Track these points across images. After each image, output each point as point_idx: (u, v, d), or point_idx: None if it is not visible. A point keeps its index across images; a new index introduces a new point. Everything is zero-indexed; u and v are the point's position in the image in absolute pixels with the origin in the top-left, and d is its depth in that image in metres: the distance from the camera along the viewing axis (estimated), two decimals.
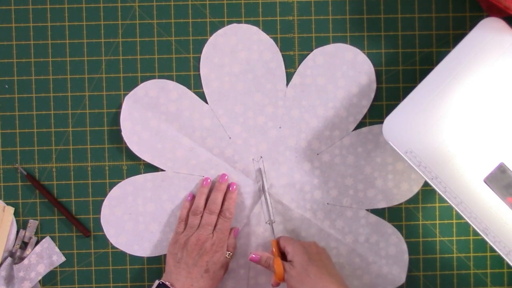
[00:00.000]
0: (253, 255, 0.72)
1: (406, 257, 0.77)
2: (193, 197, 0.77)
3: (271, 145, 0.77)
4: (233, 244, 0.76)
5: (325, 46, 0.77)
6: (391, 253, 0.77)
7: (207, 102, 0.77)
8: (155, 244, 0.77)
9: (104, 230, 0.77)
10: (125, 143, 0.77)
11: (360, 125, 0.77)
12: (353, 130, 0.77)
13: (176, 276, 0.72)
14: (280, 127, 0.77)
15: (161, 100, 0.77)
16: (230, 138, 0.77)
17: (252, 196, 0.77)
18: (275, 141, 0.77)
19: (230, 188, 0.76)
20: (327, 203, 0.77)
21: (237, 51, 0.77)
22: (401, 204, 0.78)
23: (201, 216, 0.75)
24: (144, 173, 0.77)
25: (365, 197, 0.77)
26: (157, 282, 0.71)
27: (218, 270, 0.73)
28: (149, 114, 0.76)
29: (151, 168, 0.77)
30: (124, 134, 0.76)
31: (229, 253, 0.75)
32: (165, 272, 0.74)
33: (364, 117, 0.77)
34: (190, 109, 0.77)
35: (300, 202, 0.77)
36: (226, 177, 0.76)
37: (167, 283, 0.70)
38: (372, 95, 0.77)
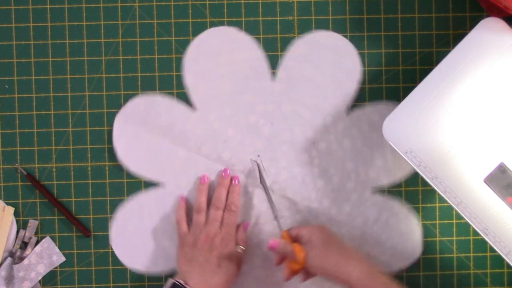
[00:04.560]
0: (273, 242, 0.71)
1: (419, 228, 0.77)
2: (185, 198, 0.76)
3: (266, 142, 0.77)
4: (244, 238, 0.76)
5: (304, 36, 0.77)
6: (403, 229, 0.77)
7: (196, 109, 0.77)
8: (170, 259, 0.77)
9: (117, 255, 0.77)
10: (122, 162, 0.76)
11: (351, 108, 0.77)
12: (347, 115, 0.77)
13: (190, 275, 0.71)
14: (272, 124, 0.77)
15: (151, 115, 0.76)
16: (225, 141, 0.77)
17: (256, 195, 0.77)
18: (269, 138, 0.77)
19: (233, 182, 0.76)
20: (331, 190, 0.77)
21: (219, 54, 0.77)
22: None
23: (205, 213, 0.75)
24: (144, 183, 0.77)
25: (367, 177, 0.77)
26: (170, 280, 0.70)
27: (230, 265, 0.73)
28: (141, 130, 0.76)
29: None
30: (120, 154, 0.76)
31: (241, 248, 0.74)
32: (177, 272, 0.73)
33: (355, 100, 0.77)
34: (180, 120, 0.77)
35: (304, 194, 0.77)
36: (228, 171, 0.76)
37: (181, 281, 0.70)
38: (359, 76, 0.77)
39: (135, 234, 0.77)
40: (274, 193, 0.77)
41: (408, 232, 0.77)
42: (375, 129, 0.77)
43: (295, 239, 0.72)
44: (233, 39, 0.77)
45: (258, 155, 0.77)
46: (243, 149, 0.77)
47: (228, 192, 0.76)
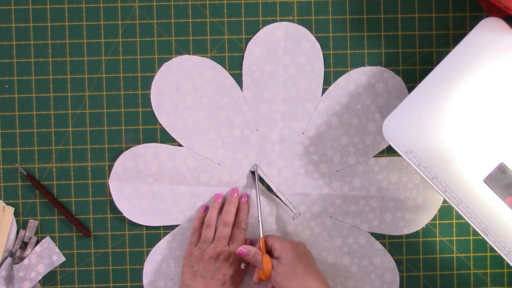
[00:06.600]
0: (242, 249, 0.72)
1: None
2: (206, 209, 0.77)
3: (258, 149, 0.77)
4: None
5: (254, 36, 0.77)
6: (416, 181, 0.77)
7: (180, 144, 0.77)
8: None
9: None
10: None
11: (325, 89, 0.77)
12: (322, 95, 0.77)
13: None
14: (257, 129, 0.77)
15: (141, 166, 0.77)
16: (219, 164, 0.77)
17: (266, 206, 0.77)
18: (259, 144, 0.77)
19: (242, 200, 0.76)
20: (336, 171, 0.77)
21: (181, 84, 0.77)
22: None
23: (215, 229, 0.75)
24: None
25: (366, 146, 0.77)
26: None
27: (234, 283, 0.73)
28: (137, 185, 0.77)
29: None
30: (126, 214, 0.77)
31: (243, 265, 0.74)
32: (181, 284, 0.73)
33: (328, 81, 0.77)
34: (170, 160, 0.77)
35: (313, 183, 0.77)
36: (237, 190, 0.77)
37: None
38: (320, 55, 0.77)
39: (168, 280, 0.78)
40: (284, 194, 0.77)
41: (423, 186, 0.77)
42: (356, 96, 0.77)
43: (270, 249, 0.73)
44: (188, 64, 0.77)
45: (255, 164, 0.77)
46: (239, 164, 0.77)
47: (238, 209, 0.76)
